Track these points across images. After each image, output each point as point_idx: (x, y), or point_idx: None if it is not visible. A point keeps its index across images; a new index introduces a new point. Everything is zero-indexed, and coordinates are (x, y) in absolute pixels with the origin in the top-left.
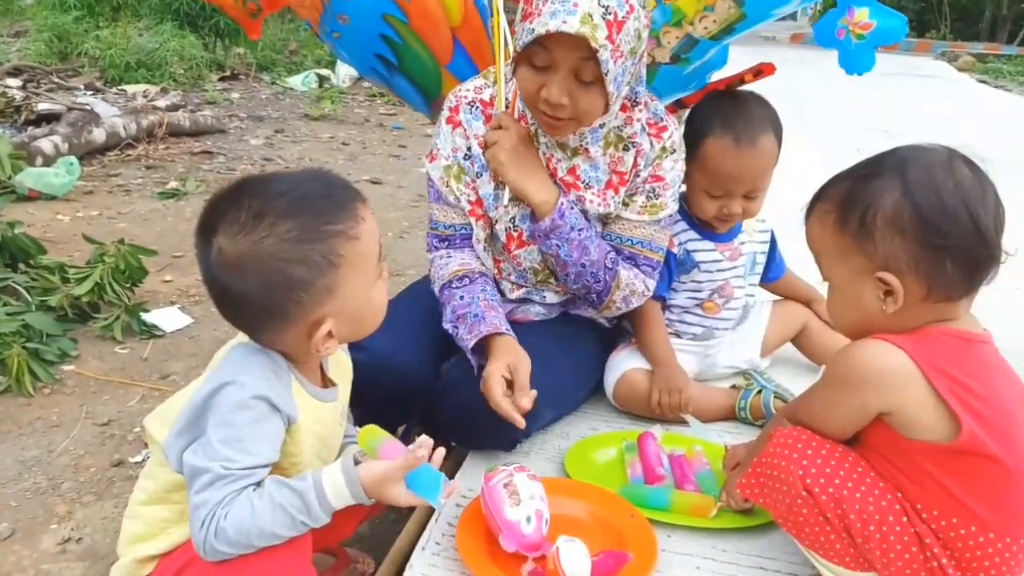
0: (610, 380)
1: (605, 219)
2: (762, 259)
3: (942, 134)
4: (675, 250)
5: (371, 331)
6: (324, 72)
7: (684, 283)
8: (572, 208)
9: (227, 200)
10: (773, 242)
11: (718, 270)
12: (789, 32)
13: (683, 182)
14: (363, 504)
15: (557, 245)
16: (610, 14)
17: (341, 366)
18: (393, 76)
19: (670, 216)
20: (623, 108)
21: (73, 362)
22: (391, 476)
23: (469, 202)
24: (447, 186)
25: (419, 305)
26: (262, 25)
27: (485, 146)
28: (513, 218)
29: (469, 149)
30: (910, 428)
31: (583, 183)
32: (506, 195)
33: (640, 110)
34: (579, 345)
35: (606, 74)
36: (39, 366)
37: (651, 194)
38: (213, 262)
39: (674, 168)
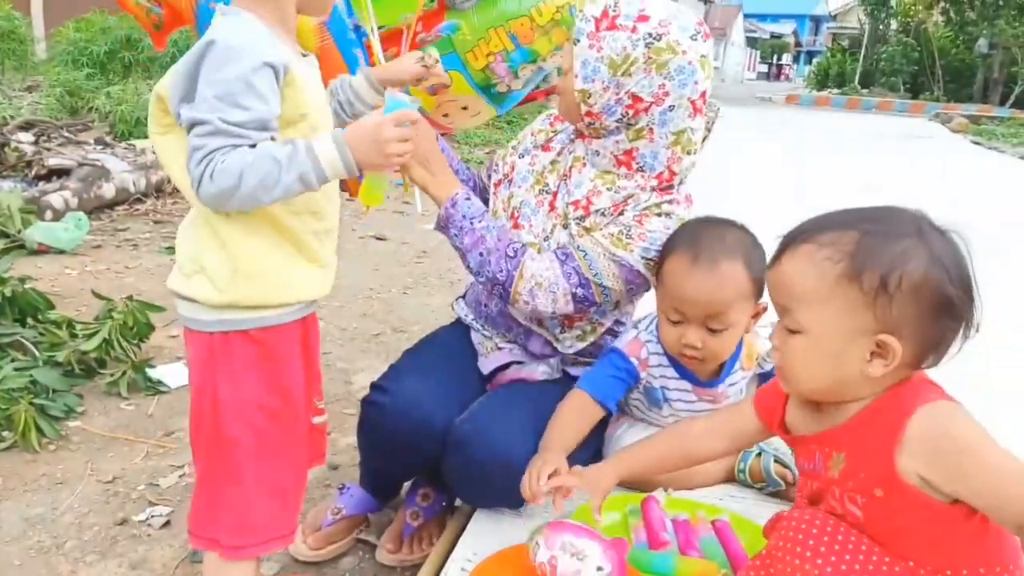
0: (609, 455)
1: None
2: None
3: (939, 195)
4: (642, 375)
5: (330, 3)
6: None
7: (649, 412)
8: (468, 199)
9: None
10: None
11: (690, 411)
12: (784, 93)
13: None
14: (350, 168)
15: (455, 235)
16: None
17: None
18: None
19: (629, 269)
20: (627, 164)
21: (79, 418)
22: (369, 116)
23: None
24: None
25: (447, 354)
26: (167, 39)
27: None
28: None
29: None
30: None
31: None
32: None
33: (646, 179)
34: None
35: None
36: (45, 422)
37: (624, 232)
38: None
39: (657, 232)
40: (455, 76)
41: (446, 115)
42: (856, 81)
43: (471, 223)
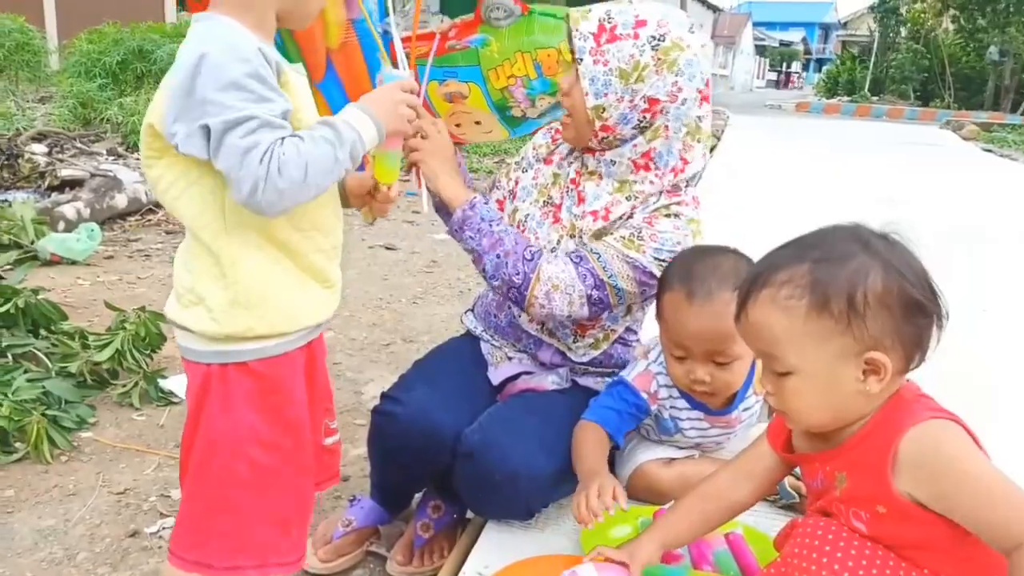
0: (624, 473)
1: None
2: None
3: (953, 203)
4: (653, 407)
5: (311, 16)
6: None
7: (660, 436)
8: (487, 202)
9: None
10: None
11: (703, 438)
12: (794, 101)
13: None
14: (381, 132)
15: (471, 237)
16: None
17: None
18: None
19: (642, 270)
20: (644, 167)
21: (91, 429)
22: (376, 88)
23: None
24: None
25: (457, 364)
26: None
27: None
28: None
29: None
30: None
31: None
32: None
33: (662, 175)
34: None
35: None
36: (58, 433)
37: (635, 233)
38: None
39: (668, 232)
40: (474, 90)
41: (458, 125)
42: (866, 89)
43: (490, 225)
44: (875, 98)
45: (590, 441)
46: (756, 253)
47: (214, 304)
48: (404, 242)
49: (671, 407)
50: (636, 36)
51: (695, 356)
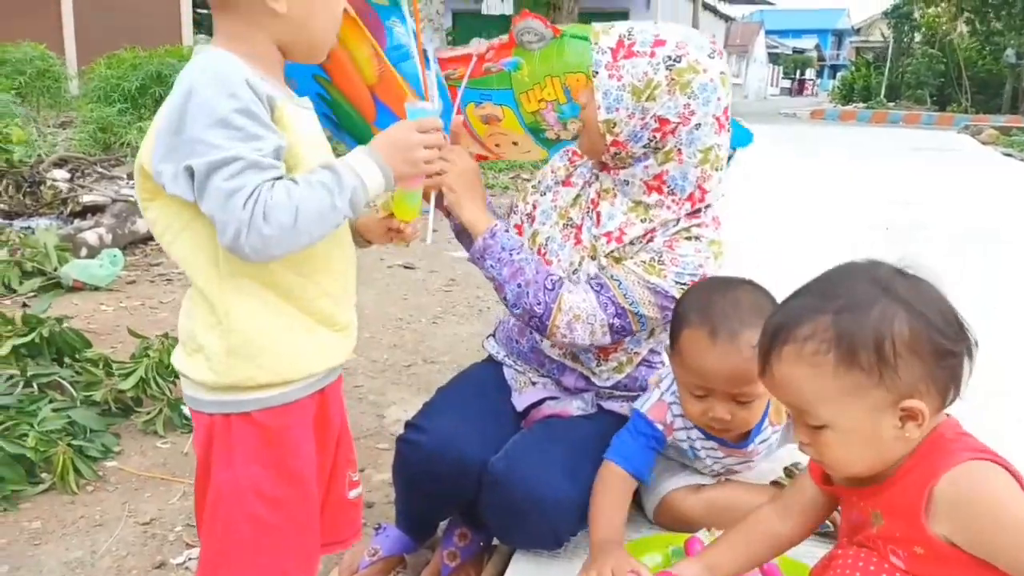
0: (649, 503)
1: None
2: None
3: (969, 206)
4: (669, 438)
5: (319, 46)
6: None
7: (680, 459)
8: (507, 231)
9: None
10: None
11: (722, 467)
12: (809, 109)
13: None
14: (388, 180)
15: (492, 266)
16: None
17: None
18: (341, 134)
19: (664, 295)
20: (657, 189)
21: (116, 457)
22: (393, 126)
23: None
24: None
25: (480, 391)
26: None
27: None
28: None
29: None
30: None
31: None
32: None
33: (679, 203)
34: None
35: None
36: (83, 463)
37: (656, 258)
38: None
39: (689, 255)
40: (507, 113)
41: (497, 145)
42: (882, 95)
43: (510, 254)
44: (891, 104)
45: (610, 496)
46: (771, 258)
47: (212, 353)
48: (422, 261)
49: (687, 437)
50: (652, 54)
51: (716, 395)
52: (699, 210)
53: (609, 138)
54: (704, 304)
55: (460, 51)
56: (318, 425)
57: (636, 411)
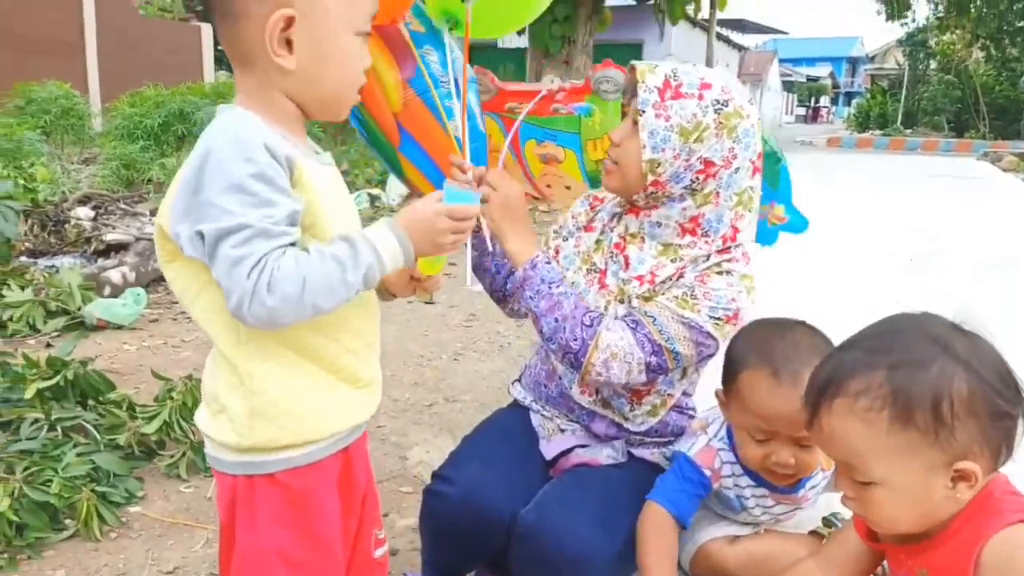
0: (685, 552)
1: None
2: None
3: (990, 233)
4: (715, 485)
5: (332, 104)
6: (375, 192)
7: (723, 512)
8: (548, 263)
9: None
10: None
11: (768, 515)
12: (825, 136)
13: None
14: (409, 260)
15: (530, 297)
16: None
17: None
18: (373, 150)
19: (699, 330)
20: (691, 231)
21: (139, 503)
22: (426, 202)
23: None
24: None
25: (508, 438)
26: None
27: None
28: None
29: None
30: None
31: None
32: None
33: (711, 242)
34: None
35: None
36: (107, 509)
37: (689, 292)
38: None
39: (722, 289)
40: (569, 156)
41: (549, 185)
42: (899, 122)
43: (549, 287)
44: (908, 131)
45: (663, 541)
46: (790, 289)
47: (235, 415)
48: (443, 295)
49: (735, 484)
50: (701, 97)
51: (779, 439)
52: (729, 247)
53: (651, 177)
54: (762, 345)
55: (530, 87)
56: (343, 485)
57: (683, 455)
